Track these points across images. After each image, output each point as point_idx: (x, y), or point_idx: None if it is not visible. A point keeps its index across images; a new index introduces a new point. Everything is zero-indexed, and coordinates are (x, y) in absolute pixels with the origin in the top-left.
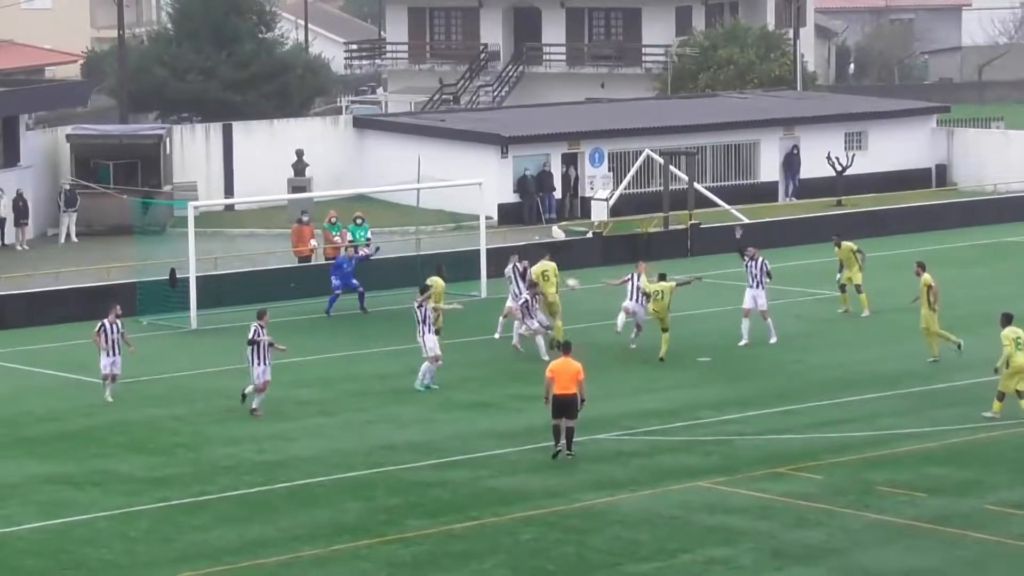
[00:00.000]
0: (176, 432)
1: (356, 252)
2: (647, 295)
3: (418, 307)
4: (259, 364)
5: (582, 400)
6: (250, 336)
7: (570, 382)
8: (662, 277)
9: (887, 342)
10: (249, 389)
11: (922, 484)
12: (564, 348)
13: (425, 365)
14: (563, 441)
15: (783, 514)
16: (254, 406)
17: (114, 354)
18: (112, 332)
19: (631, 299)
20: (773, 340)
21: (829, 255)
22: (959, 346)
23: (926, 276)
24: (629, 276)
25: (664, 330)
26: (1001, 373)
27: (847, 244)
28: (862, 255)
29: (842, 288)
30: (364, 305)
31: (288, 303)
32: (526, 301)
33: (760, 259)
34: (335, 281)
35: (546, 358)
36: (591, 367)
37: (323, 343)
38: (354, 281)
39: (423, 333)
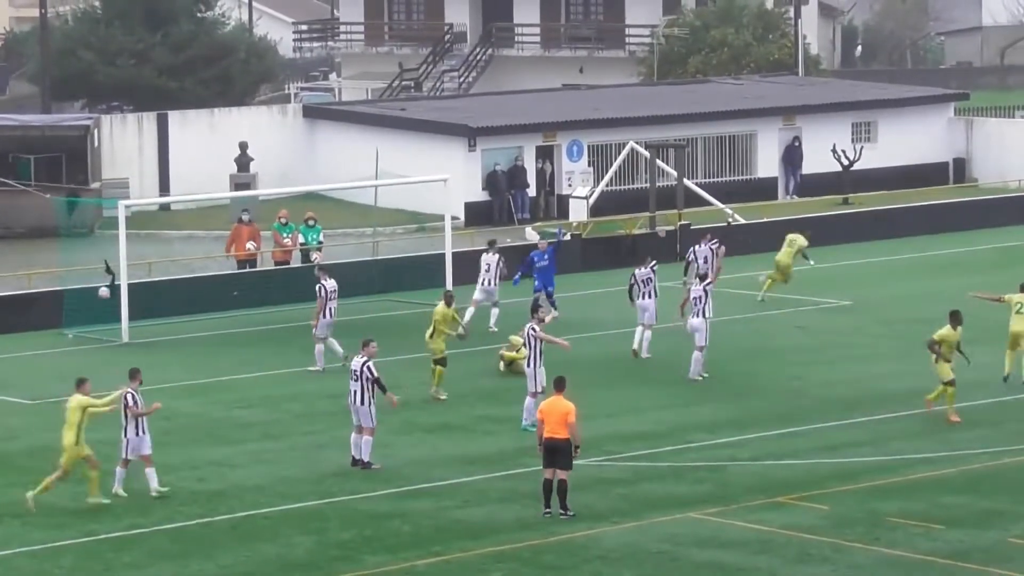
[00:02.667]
0: (103, 458)
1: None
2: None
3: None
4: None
5: (576, 446)
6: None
7: (560, 425)
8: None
9: (899, 357)
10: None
11: (938, 515)
12: (557, 385)
13: (528, 400)
14: (555, 502)
15: (784, 549)
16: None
17: (142, 432)
18: (137, 405)
19: (640, 298)
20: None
21: (835, 259)
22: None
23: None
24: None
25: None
26: None
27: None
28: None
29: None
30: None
31: (229, 314)
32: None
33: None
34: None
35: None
36: (568, 384)
37: (268, 359)
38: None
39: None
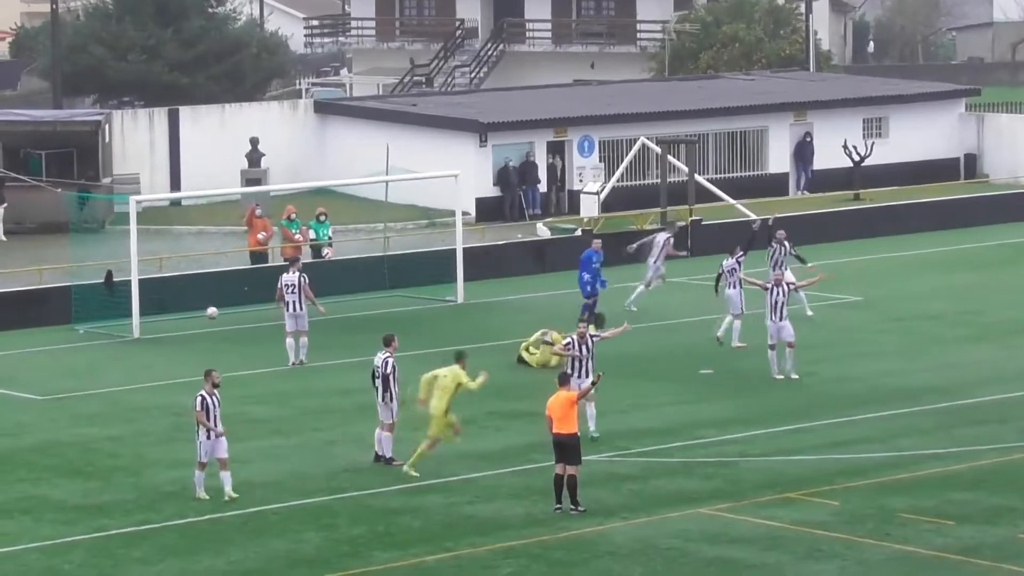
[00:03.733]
0: (115, 454)
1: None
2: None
3: (590, 339)
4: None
5: (594, 382)
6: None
7: (567, 419)
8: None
9: (908, 353)
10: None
11: (948, 511)
12: (561, 381)
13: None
14: (566, 498)
15: (793, 545)
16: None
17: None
18: (215, 407)
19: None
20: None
21: (846, 255)
22: None
23: None
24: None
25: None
26: None
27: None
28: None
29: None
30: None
31: (240, 309)
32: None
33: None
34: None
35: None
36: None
37: (278, 354)
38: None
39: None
